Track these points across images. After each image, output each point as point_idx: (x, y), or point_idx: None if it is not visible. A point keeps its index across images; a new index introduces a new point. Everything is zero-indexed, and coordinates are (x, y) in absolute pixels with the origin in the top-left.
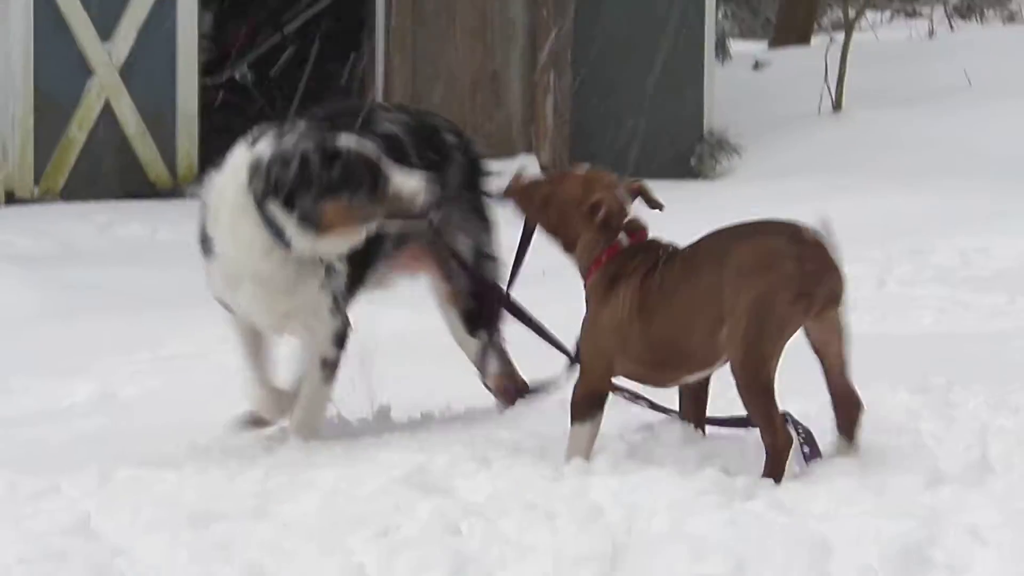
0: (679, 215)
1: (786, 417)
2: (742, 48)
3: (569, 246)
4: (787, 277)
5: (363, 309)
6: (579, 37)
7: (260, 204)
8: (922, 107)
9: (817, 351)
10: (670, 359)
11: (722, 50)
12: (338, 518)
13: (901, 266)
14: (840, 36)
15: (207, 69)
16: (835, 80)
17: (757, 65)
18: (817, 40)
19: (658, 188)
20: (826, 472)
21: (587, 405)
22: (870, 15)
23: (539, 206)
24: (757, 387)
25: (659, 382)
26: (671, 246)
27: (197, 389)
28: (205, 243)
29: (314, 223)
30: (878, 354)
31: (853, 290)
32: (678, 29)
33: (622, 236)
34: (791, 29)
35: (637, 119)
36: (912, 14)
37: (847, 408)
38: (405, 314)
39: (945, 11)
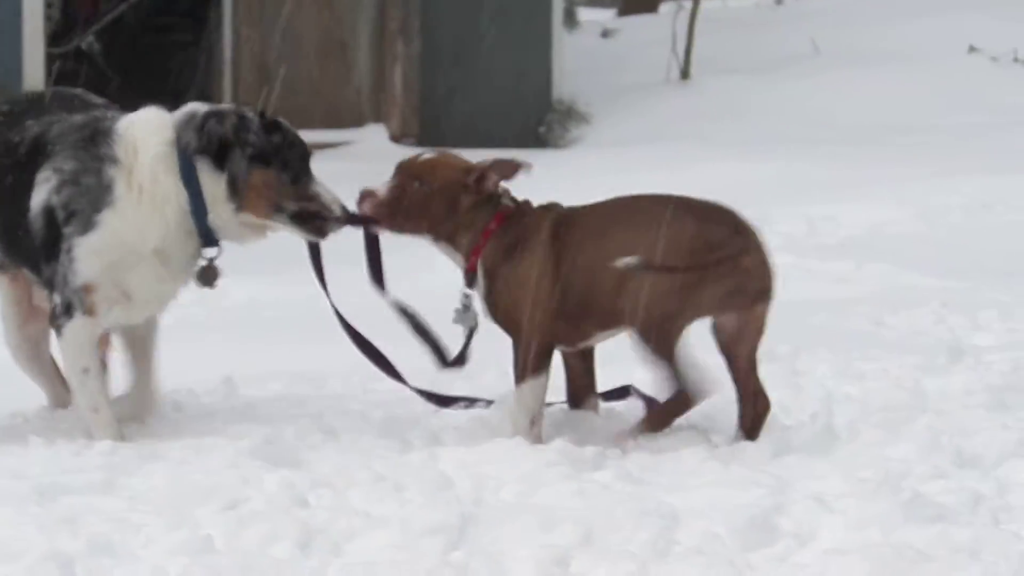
0: (531, 184)
1: (630, 389)
2: (591, 16)
3: (446, 232)
4: (740, 271)
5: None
6: (427, 5)
7: (186, 158)
8: (770, 75)
9: (726, 346)
10: (586, 312)
11: (571, 18)
12: (185, 490)
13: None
14: (688, 3)
15: (53, 38)
16: (683, 48)
17: (606, 33)
18: (666, 8)
19: (506, 156)
20: (673, 443)
21: (539, 358)
22: None
23: (418, 205)
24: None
25: (575, 339)
26: (555, 205)
27: None
28: (95, 205)
29: (240, 189)
30: None
31: None
32: None
33: (504, 202)
34: None
35: (485, 88)
36: None
37: (756, 407)
38: (255, 284)
39: None
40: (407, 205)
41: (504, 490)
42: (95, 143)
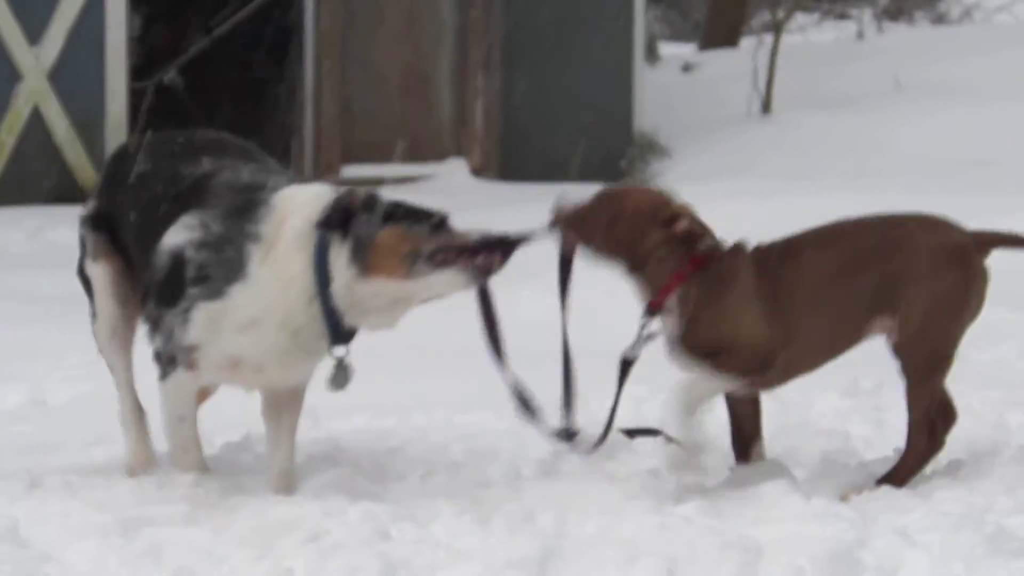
0: None
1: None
2: (673, 51)
3: (637, 264)
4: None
5: None
6: (509, 38)
7: (322, 236)
8: (851, 109)
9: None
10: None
11: (652, 53)
12: (268, 523)
13: None
14: (769, 38)
15: (136, 73)
16: (764, 82)
17: (687, 67)
18: (746, 42)
19: (589, 191)
20: (753, 476)
21: (743, 368)
22: (799, 17)
23: (606, 226)
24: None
25: (776, 380)
26: (759, 244)
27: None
28: (227, 276)
29: (364, 249)
30: None
31: None
32: (607, 31)
33: (706, 246)
34: (720, 31)
35: (567, 122)
36: (841, 16)
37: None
38: None
39: (874, 13)
40: (603, 221)
41: (586, 523)
42: (247, 215)
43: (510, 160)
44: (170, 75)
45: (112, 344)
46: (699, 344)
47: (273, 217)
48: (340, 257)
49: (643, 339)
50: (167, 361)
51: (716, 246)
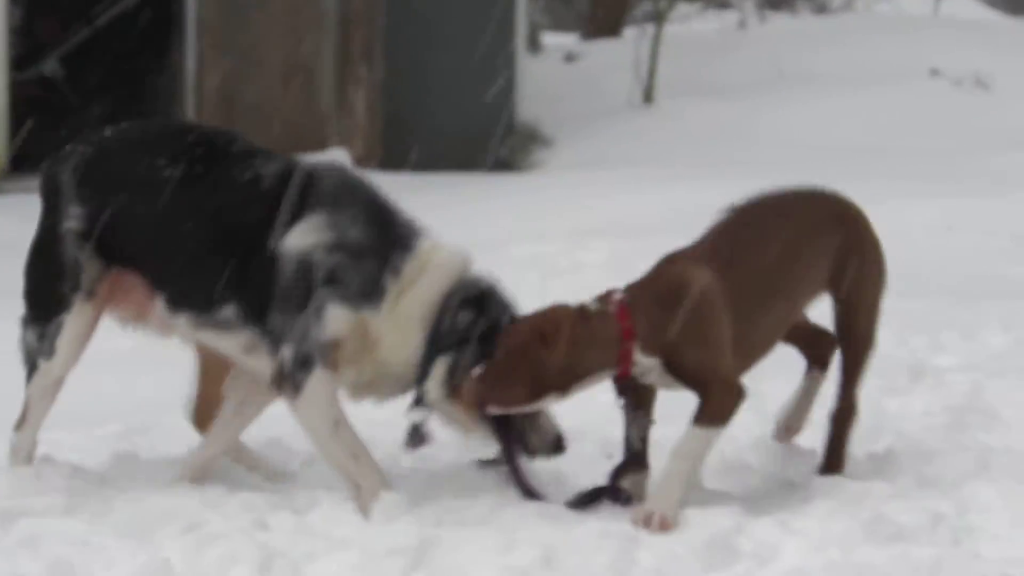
0: (493, 207)
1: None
2: (556, 41)
3: (570, 380)
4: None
5: None
6: (391, 28)
7: (440, 319)
8: (733, 98)
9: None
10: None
11: (534, 43)
12: (146, 513)
13: None
14: (652, 28)
15: (17, 64)
16: (646, 71)
17: (569, 57)
18: (629, 32)
19: (469, 180)
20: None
21: (737, 402)
22: (682, 6)
23: (512, 379)
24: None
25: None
26: (674, 256)
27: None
28: (361, 291)
29: (456, 377)
30: None
31: None
32: (489, 22)
33: (608, 306)
34: (603, 21)
35: (448, 112)
36: (724, 5)
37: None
38: None
39: (756, 2)
40: (505, 382)
41: (465, 512)
42: (390, 242)
43: (392, 150)
44: (50, 66)
45: (51, 391)
46: (686, 368)
47: (415, 262)
48: (439, 368)
49: (632, 422)
50: (300, 366)
51: (610, 293)
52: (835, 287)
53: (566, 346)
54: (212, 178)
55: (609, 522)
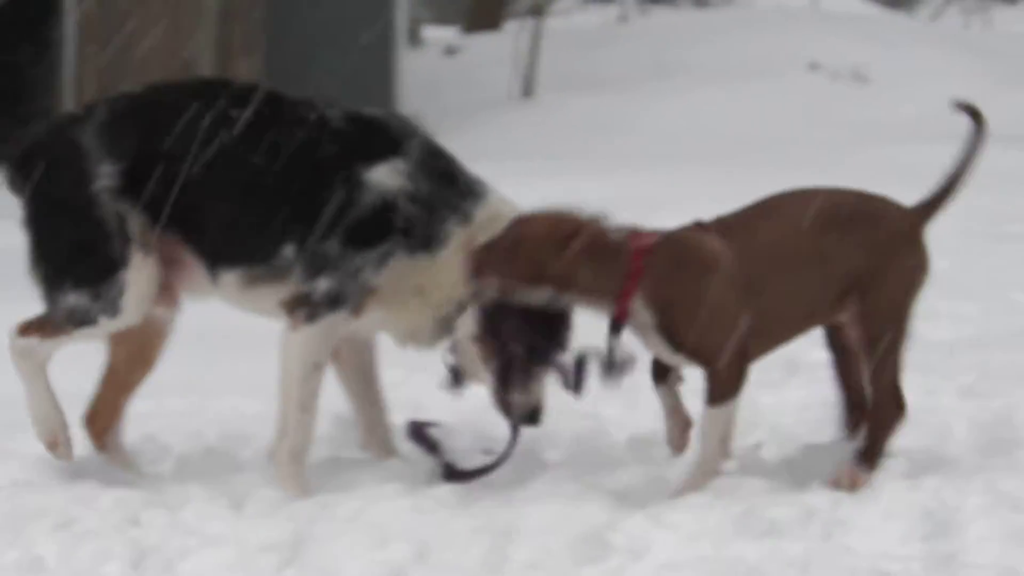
0: None
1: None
2: (437, 34)
3: (566, 286)
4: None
5: None
6: (271, 21)
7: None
8: (613, 92)
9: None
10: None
11: (415, 36)
12: (18, 510)
13: None
14: (533, 21)
15: None
16: (527, 65)
17: (450, 50)
18: (510, 26)
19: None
20: (509, 460)
21: (739, 381)
22: (563, 0)
23: (514, 259)
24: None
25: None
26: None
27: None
28: (429, 242)
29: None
30: None
31: None
32: (369, 15)
33: (630, 240)
34: (484, 14)
35: None
36: None
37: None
38: None
39: None
40: (506, 260)
41: (340, 507)
42: (460, 192)
43: None
44: None
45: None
46: (684, 333)
47: (487, 210)
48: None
49: (614, 364)
50: (331, 301)
51: (640, 233)
52: (860, 290)
53: (575, 254)
54: (278, 122)
55: (482, 517)
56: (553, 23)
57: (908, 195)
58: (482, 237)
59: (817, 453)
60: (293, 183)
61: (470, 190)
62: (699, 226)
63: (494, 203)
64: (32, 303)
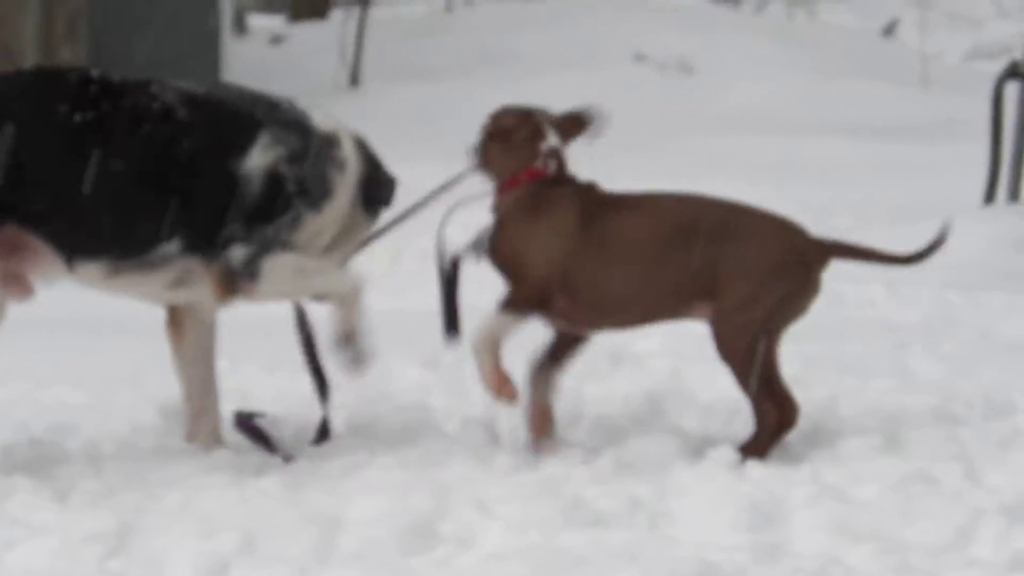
0: None
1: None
2: (262, 22)
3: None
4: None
5: None
6: (94, 8)
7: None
8: (439, 81)
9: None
10: (620, 306)
11: (240, 24)
12: None
13: (417, 240)
14: (358, 10)
15: None
16: (352, 54)
17: (276, 39)
18: (336, 14)
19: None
20: (336, 450)
21: (527, 304)
22: None
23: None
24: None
25: (592, 325)
26: (595, 186)
27: None
28: (323, 192)
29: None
30: (392, 330)
31: (367, 266)
32: (194, 2)
33: (547, 163)
34: (309, 3)
35: None
36: None
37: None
38: None
39: None
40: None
41: (165, 498)
42: (322, 140)
43: None
44: None
45: None
46: (503, 253)
47: (344, 146)
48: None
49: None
50: (255, 256)
51: (561, 170)
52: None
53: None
54: (120, 117)
55: (309, 508)
56: (379, 12)
57: (728, 186)
58: (350, 175)
59: (642, 443)
60: (163, 180)
61: (323, 132)
62: (590, 186)
63: (343, 136)
64: None
